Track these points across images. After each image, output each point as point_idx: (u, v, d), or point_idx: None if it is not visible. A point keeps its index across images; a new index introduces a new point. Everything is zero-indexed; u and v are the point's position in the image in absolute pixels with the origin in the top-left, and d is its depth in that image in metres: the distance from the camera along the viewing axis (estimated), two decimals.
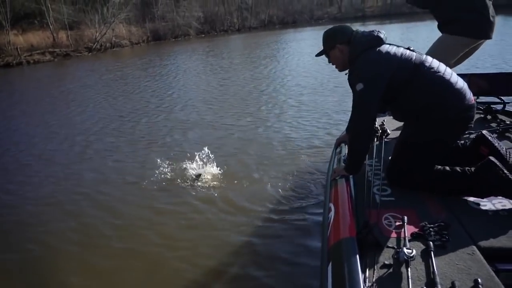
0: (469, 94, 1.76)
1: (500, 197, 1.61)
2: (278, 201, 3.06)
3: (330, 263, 1.36)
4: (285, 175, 3.50)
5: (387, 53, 1.75)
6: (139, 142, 4.92)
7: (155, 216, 3.01)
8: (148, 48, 23.12)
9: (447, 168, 1.73)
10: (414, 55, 1.77)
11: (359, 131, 1.81)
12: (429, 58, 1.80)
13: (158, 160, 4.03)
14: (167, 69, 12.31)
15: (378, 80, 1.72)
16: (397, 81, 1.73)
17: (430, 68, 1.74)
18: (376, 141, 2.28)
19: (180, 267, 2.38)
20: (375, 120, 1.75)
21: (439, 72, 1.74)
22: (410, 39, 13.75)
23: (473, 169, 1.67)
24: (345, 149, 2.27)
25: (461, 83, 1.75)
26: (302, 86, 7.52)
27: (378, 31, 1.82)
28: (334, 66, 2.01)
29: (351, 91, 1.83)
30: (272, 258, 2.37)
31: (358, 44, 1.81)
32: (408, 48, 1.83)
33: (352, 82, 1.80)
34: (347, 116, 4.96)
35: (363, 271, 1.23)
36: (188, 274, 2.31)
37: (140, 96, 8.13)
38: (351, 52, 1.84)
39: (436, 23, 2.70)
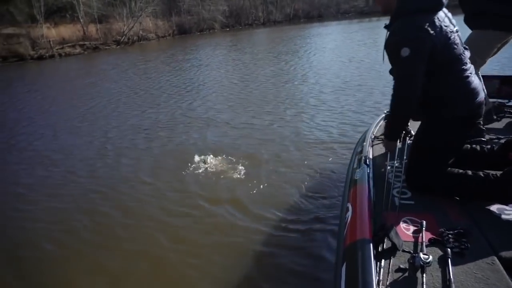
0: (481, 93, 1.71)
1: None
2: (294, 205, 2.99)
3: (345, 264, 1.35)
4: (303, 177, 3.42)
5: (441, 27, 1.58)
6: (155, 139, 4.96)
7: (167, 218, 3.01)
8: (174, 42, 23.44)
9: (469, 172, 1.66)
10: (458, 42, 1.66)
11: (404, 98, 1.67)
12: (467, 53, 1.71)
13: (174, 160, 4.07)
14: (188, 64, 12.41)
15: (426, 47, 1.56)
16: (433, 59, 1.60)
17: (464, 63, 1.67)
18: (399, 142, 2.20)
19: (187, 272, 2.36)
20: (421, 83, 1.62)
21: (467, 69, 1.67)
22: None
23: (498, 173, 1.60)
24: (367, 147, 2.25)
25: (476, 82, 1.71)
26: (323, 84, 7.34)
27: None
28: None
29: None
30: (284, 270, 2.29)
31: (414, 2, 1.60)
32: (457, 31, 1.69)
33: (394, 45, 1.61)
34: (368, 117, 4.86)
35: (377, 274, 1.22)
36: (194, 281, 2.29)
37: (160, 92, 8.22)
38: (403, 2, 1.62)
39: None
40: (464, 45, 1.73)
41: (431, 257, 1.22)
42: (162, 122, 5.78)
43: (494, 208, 1.55)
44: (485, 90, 1.91)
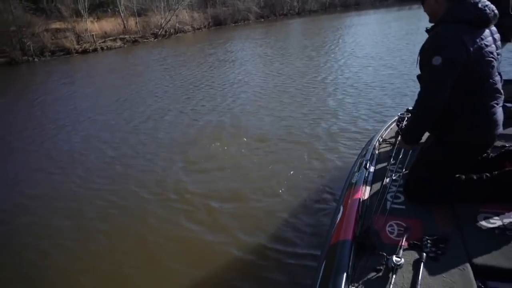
0: (500, 127, 1.68)
1: None
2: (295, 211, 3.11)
3: (324, 263, 1.47)
4: (309, 185, 3.50)
5: (480, 44, 1.54)
6: (167, 148, 5.03)
7: (149, 235, 3.08)
8: (208, 34, 23.77)
9: (462, 176, 1.69)
10: (494, 66, 1.61)
11: (428, 107, 1.63)
12: (498, 78, 1.65)
13: (178, 171, 4.19)
14: (214, 58, 12.63)
15: (459, 59, 1.53)
16: (462, 75, 1.57)
17: (493, 89, 1.64)
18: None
19: None
20: (448, 94, 1.61)
21: (494, 98, 1.64)
22: None
23: (495, 173, 1.63)
24: (370, 151, 2.30)
25: (499, 114, 1.67)
26: (344, 84, 7.20)
27: (493, 10, 1.56)
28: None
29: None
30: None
31: (459, 11, 1.56)
32: (498, 54, 1.65)
33: (427, 51, 1.59)
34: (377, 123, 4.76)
35: (354, 273, 1.33)
36: None
37: (182, 91, 8.39)
38: (448, 12, 1.59)
39: None
40: (500, 73, 1.68)
41: (403, 259, 1.30)
42: (175, 124, 5.97)
43: (482, 216, 1.58)
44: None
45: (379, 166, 2.14)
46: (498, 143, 2.19)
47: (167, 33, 25.42)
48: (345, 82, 7.35)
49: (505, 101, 2.64)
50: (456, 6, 1.57)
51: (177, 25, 25.96)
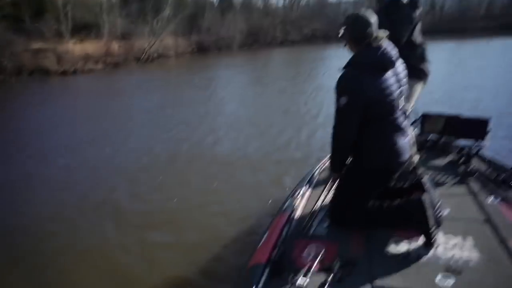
0: (405, 155, 1.84)
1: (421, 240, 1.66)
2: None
3: (237, 285, 1.62)
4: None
5: (381, 86, 1.73)
6: (117, 174, 5.01)
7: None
8: (189, 61, 24.13)
9: (376, 203, 1.81)
10: (395, 104, 1.79)
11: (337, 140, 1.87)
12: (399, 113, 1.83)
13: (121, 200, 4.20)
14: (184, 87, 12.64)
15: (360, 100, 1.72)
16: (366, 112, 1.75)
17: (395, 124, 1.81)
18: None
19: None
20: (356, 130, 1.80)
21: (397, 130, 1.81)
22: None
23: (402, 201, 1.76)
24: (306, 180, 2.45)
25: (402, 144, 1.82)
26: (311, 116, 7.30)
27: (391, 58, 1.75)
28: None
29: None
30: None
31: (362, 57, 1.77)
32: (401, 92, 1.82)
33: (335, 91, 1.79)
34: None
35: None
36: None
37: (147, 117, 8.34)
38: (354, 56, 1.80)
39: None
40: (404, 109, 1.87)
41: (308, 281, 1.41)
42: (130, 151, 5.91)
43: (392, 241, 1.69)
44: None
45: (315, 192, 2.27)
46: (419, 171, 2.37)
47: (150, 57, 25.69)
48: (308, 113, 7.54)
49: (424, 132, 2.96)
50: (361, 51, 1.79)
51: (160, 49, 26.32)
